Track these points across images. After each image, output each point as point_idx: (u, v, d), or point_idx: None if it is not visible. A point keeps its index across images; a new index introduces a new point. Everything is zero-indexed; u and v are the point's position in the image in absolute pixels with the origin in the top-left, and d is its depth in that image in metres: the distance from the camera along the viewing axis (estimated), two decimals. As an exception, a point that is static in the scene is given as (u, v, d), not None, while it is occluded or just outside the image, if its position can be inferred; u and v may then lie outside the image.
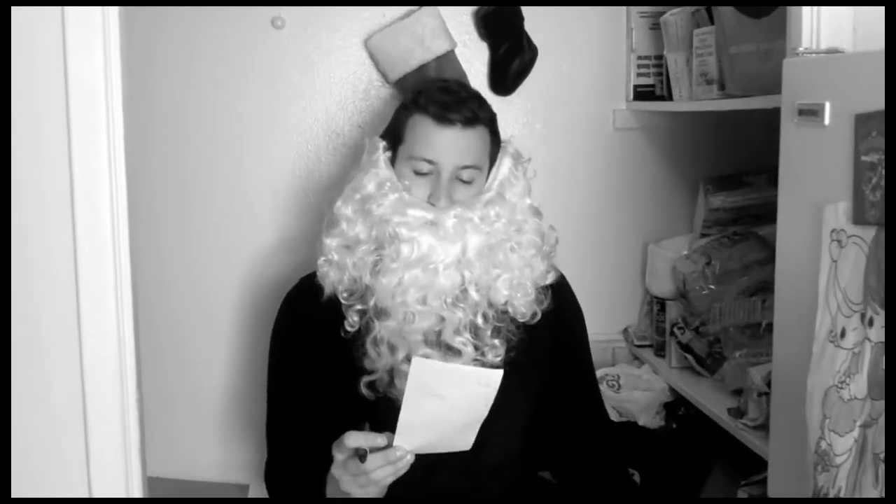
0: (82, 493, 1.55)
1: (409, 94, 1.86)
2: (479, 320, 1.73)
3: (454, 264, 1.70)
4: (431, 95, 1.78)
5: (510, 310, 1.76)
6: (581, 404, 1.93)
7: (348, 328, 1.75)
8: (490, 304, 1.75)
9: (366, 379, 1.74)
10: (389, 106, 2.43)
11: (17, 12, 1.45)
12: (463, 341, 1.71)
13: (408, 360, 1.62)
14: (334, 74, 2.43)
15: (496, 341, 1.74)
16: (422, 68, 2.34)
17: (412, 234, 1.69)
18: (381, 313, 1.72)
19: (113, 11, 1.46)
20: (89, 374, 1.51)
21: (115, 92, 1.47)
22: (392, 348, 1.72)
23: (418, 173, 1.75)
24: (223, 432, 2.48)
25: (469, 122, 1.75)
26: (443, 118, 1.74)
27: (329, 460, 1.64)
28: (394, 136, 1.82)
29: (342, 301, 1.76)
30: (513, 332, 1.77)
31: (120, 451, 1.54)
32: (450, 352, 1.72)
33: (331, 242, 1.77)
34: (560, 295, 1.88)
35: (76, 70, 1.45)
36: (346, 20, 2.41)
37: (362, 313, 1.74)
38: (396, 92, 2.41)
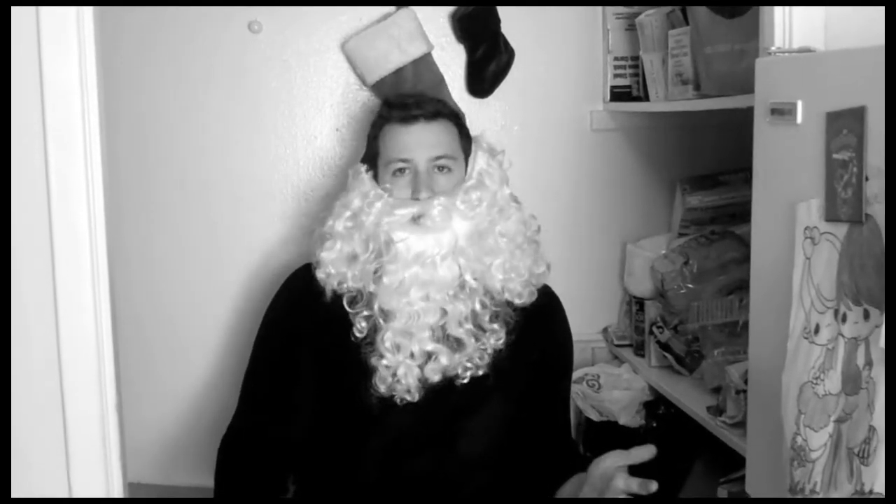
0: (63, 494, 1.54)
1: (375, 114, 1.97)
2: (478, 307, 1.80)
3: (450, 254, 1.78)
4: (392, 104, 1.93)
5: (507, 294, 1.83)
6: (548, 428, 1.96)
7: (357, 334, 1.80)
8: (486, 292, 1.82)
9: (374, 383, 1.79)
10: (367, 109, 2.43)
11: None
12: (465, 332, 1.79)
13: (412, 357, 1.76)
14: (311, 78, 2.43)
15: (495, 325, 1.82)
16: (399, 71, 2.35)
17: (403, 234, 1.77)
18: (387, 315, 1.79)
19: (87, 11, 1.45)
20: (68, 380, 1.50)
21: (90, 90, 1.46)
22: (398, 348, 1.78)
23: (397, 174, 1.84)
24: (206, 435, 2.46)
25: (432, 115, 1.87)
26: (406, 118, 1.86)
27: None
28: (370, 155, 1.92)
29: (348, 310, 1.82)
30: (510, 316, 1.84)
31: (100, 457, 1.53)
32: (454, 344, 1.79)
33: (328, 256, 1.83)
34: (556, 316, 1.98)
35: (51, 71, 1.45)
36: (322, 24, 2.41)
37: (367, 318, 1.81)
38: (374, 95, 2.42)
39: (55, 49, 1.44)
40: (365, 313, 1.81)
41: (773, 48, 1.61)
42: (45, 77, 1.44)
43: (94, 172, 1.47)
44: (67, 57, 1.45)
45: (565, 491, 1.78)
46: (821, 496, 1.34)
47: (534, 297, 1.88)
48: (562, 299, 2.01)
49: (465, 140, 1.93)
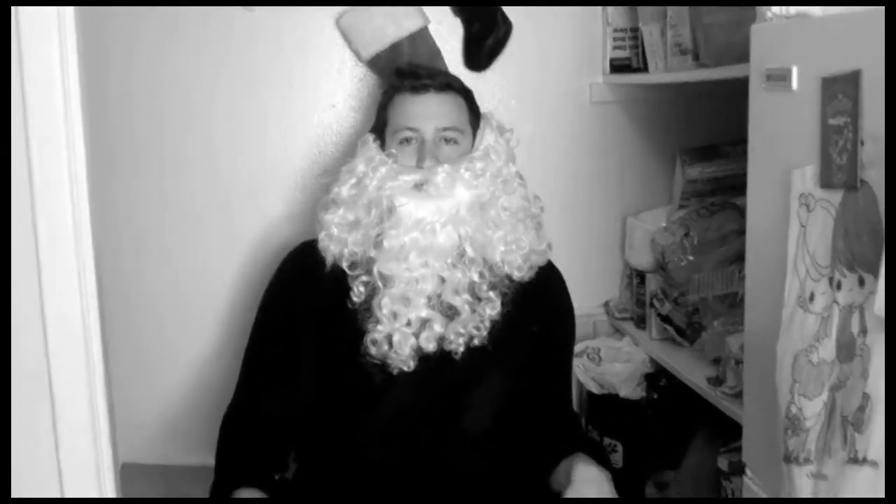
0: (52, 479, 1.53)
1: (387, 84, 1.98)
2: (476, 277, 1.80)
3: (450, 222, 1.78)
4: (404, 73, 1.94)
5: (506, 267, 1.83)
6: (548, 401, 1.95)
7: (355, 298, 1.81)
8: (485, 263, 1.82)
9: (365, 345, 1.79)
10: (363, 85, 2.42)
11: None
12: (461, 301, 1.79)
13: (408, 325, 1.76)
14: (307, 54, 2.40)
15: (491, 293, 1.81)
16: (395, 46, 2.32)
17: (405, 199, 1.78)
18: (386, 281, 1.79)
19: (68, 11, 1.43)
20: (55, 361, 1.49)
21: (72, 94, 1.44)
22: (394, 315, 1.78)
23: (403, 143, 1.85)
24: (204, 415, 2.46)
25: (443, 87, 1.88)
26: (417, 88, 1.87)
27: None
28: (379, 125, 1.92)
29: (347, 273, 1.83)
30: (508, 288, 1.84)
31: (90, 439, 1.52)
32: (449, 311, 1.79)
33: (331, 218, 1.84)
34: (557, 289, 1.97)
35: (32, 72, 1.42)
36: (318, -2, 2.38)
37: (366, 284, 1.81)
38: (369, 70, 2.40)
39: (36, 50, 1.42)
40: (364, 278, 1.81)
41: (769, 14, 1.59)
42: (26, 77, 1.42)
43: (76, 160, 1.44)
44: (49, 58, 1.42)
45: (561, 470, 1.78)
46: (814, 465, 1.33)
47: (532, 274, 1.87)
48: (563, 273, 2.00)
49: (474, 116, 1.93)
